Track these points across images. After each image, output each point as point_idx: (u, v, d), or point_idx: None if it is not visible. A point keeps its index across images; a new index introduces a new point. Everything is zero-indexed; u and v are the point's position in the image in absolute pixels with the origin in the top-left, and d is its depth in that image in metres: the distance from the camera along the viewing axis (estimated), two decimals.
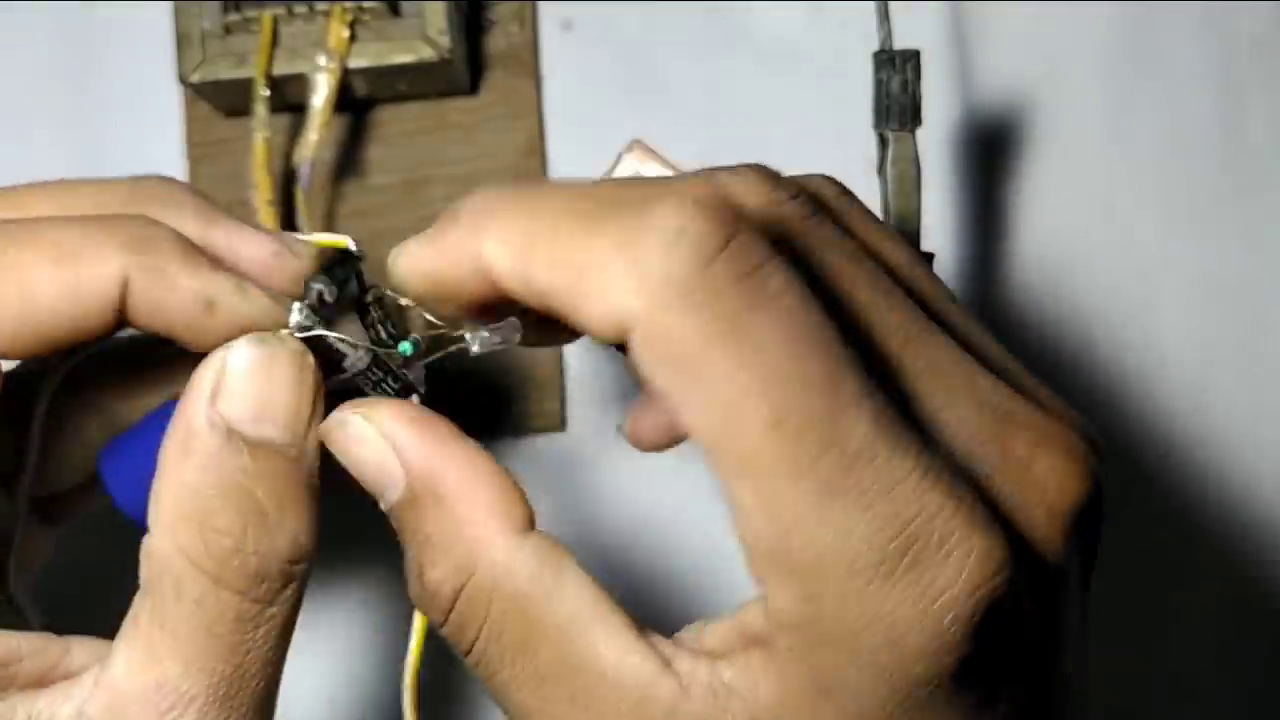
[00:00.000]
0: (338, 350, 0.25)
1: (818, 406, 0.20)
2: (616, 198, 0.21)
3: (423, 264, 0.23)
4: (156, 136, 0.45)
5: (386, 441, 0.23)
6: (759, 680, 0.21)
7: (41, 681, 0.24)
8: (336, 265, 0.26)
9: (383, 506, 0.24)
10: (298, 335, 0.25)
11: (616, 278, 0.20)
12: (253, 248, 0.26)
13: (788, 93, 0.46)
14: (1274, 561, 0.45)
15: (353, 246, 0.27)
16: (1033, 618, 0.21)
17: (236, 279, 0.25)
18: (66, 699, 0.23)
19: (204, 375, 0.24)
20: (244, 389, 0.23)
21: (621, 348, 0.22)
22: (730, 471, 0.20)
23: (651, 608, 0.44)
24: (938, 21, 0.46)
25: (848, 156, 0.45)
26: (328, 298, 0.25)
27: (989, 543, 0.20)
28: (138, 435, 0.26)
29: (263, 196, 0.40)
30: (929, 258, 0.34)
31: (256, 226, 0.27)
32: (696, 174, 0.23)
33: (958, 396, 0.22)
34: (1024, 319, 0.45)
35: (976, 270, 0.46)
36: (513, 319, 0.25)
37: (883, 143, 0.35)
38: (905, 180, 0.34)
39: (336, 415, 0.24)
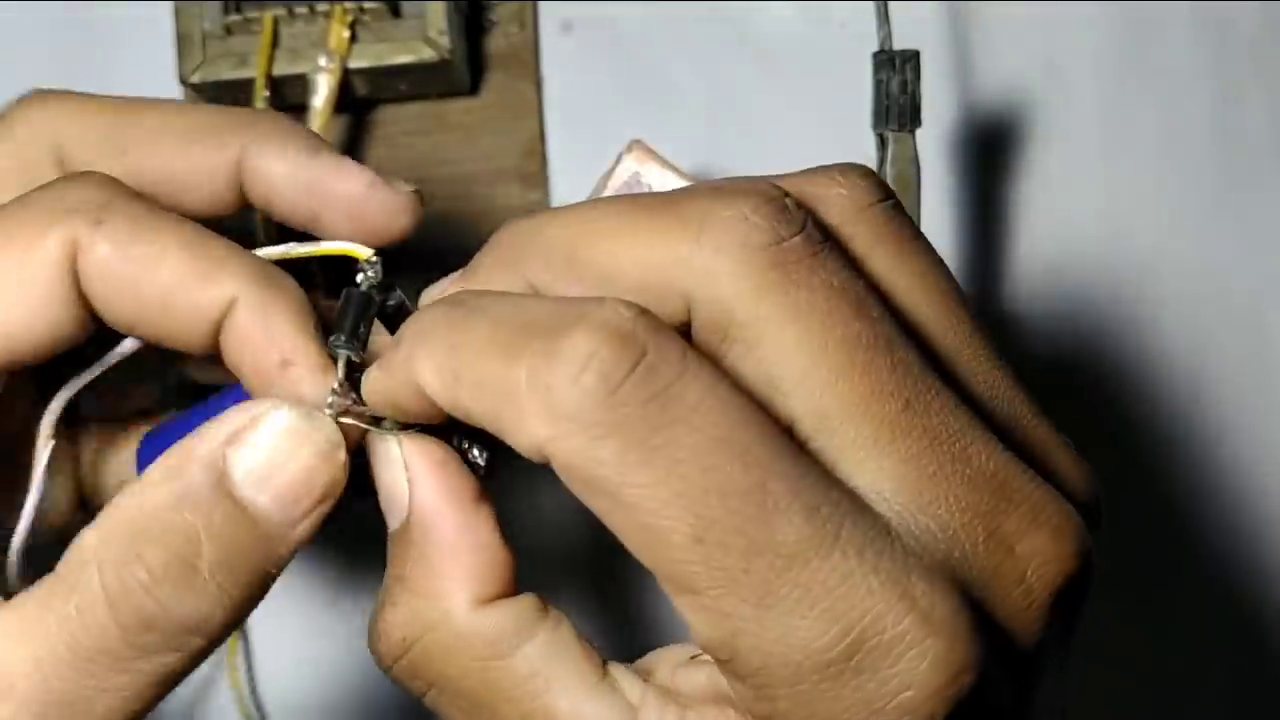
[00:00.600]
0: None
1: (741, 515, 0.19)
2: (534, 325, 0.21)
3: (378, 386, 0.24)
4: None
5: (404, 471, 0.24)
6: None
7: None
8: (354, 312, 0.25)
9: (388, 528, 0.24)
10: (332, 416, 0.24)
11: (529, 411, 0.20)
12: (349, 183, 0.26)
13: (787, 93, 0.46)
14: (1275, 560, 0.45)
15: (363, 252, 0.26)
16: (1005, 705, 0.21)
17: (315, 342, 0.25)
18: None
19: (236, 416, 0.23)
20: (262, 448, 0.23)
21: None
22: (670, 588, 0.20)
23: (652, 607, 0.44)
24: (937, 21, 0.47)
25: (847, 156, 0.45)
26: (355, 359, 0.25)
27: (948, 644, 0.19)
28: (178, 427, 0.26)
29: None
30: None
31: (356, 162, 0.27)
32: (685, 198, 0.23)
33: (951, 466, 0.21)
34: (1023, 318, 0.46)
35: (976, 270, 0.46)
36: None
37: (882, 143, 0.35)
38: (904, 181, 0.34)
39: (382, 432, 0.24)
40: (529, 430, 0.21)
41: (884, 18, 0.35)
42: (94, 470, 0.30)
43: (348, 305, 0.25)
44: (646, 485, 0.20)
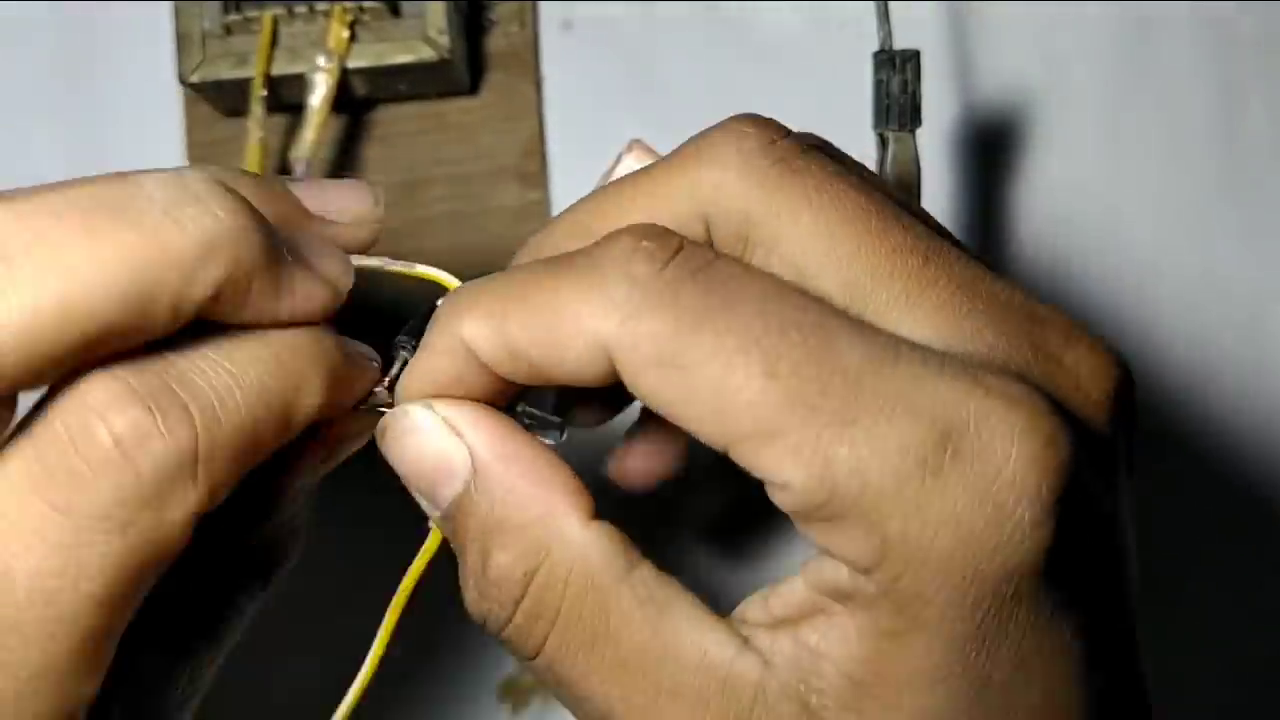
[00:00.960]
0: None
1: (804, 344, 0.20)
2: (572, 255, 0.22)
3: (421, 380, 0.23)
4: (157, 136, 0.45)
5: (450, 430, 0.23)
6: (847, 635, 0.21)
7: None
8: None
9: (432, 507, 0.23)
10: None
11: (586, 310, 0.21)
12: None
13: (787, 93, 0.46)
14: (1275, 560, 0.45)
15: (453, 282, 0.26)
16: (1099, 495, 0.21)
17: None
18: None
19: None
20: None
21: (608, 398, 0.22)
22: (749, 449, 0.20)
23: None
24: (938, 21, 0.47)
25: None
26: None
27: (1034, 412, 0.20)
28: None
29: None
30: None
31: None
32: (683, 146, 0.24)
33: (982, 302, 0.22)
34: None
35: None
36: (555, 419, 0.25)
37: (883, 143, 0.35)
38: (906, 180, 0.34)
39: (397, 408, 0.24)
40: (588, 332, 0.21)
41: (884, 17, 0.35)
42: None
43: (426, 316, 0.25)
44: (712, 340, 0.20)
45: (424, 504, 0.24)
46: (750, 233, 0.23)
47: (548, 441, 0.24)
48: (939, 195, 0.45)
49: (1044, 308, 0.22)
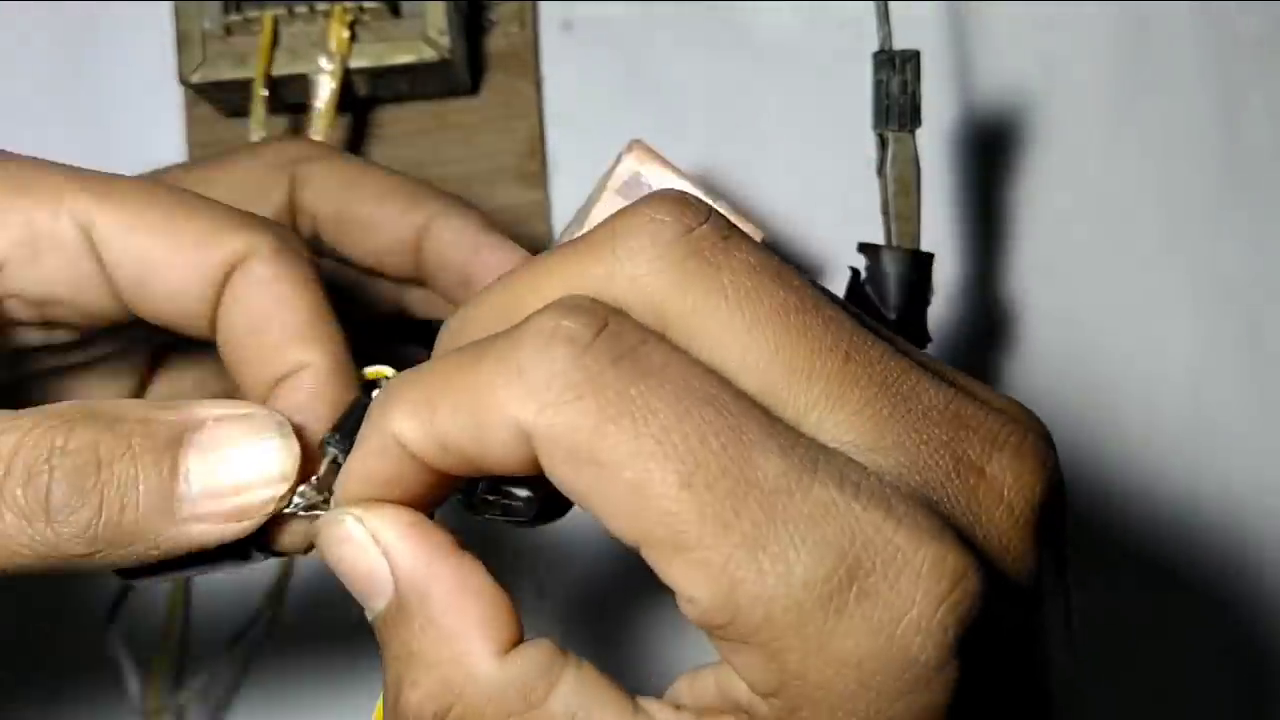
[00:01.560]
0: None
1: (722, 455, 0.20)
2: (494, 338, 0.21)
3: (357, 480, 0.23)
4: (158, 137, 0.45)
5: (378, 546, 0.23)
6: None
7: None
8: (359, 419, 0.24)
9: (368, 615, 0.23)
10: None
11: (505, 397, 0.20)
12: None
13: (787, 93, 0.46)
14: (1274, 560, 0.45)
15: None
16: (1014, 628, 0.21)
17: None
18: None
19: (240, 407, 0.25)
20: (236, 438, 0.24)
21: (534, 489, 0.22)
22: (660, 556, 0.20)
23: (660, 620, 0.44)
24: (937, 22, 0.47)
25: (847, 156, 0.45)
26: (340, 460, 0.24)
27: (941, 551, 0.19)
28: None
29: None
30: (928, 258, 0.34)
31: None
32: (583, 246, 0.23)
33: (903, 405, 0.21)
34: (1023, 318, 0.46)
35: (976, 270, 0.46)
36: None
37: (882, 143, 0.35)
38: (905, 181, 0.34)
39: (330, 514, 0.23)
40: (509, 417, 0.20)
41: (884, 18, 0.35)
42: None
43: (353, 412, 0.25)
44: (629, 439, 0.20)
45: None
46: (667, 327, 0.22)
47: (516, 519, 0.24)
48: (939, 196, 0.45)
49: (969, 409, 0.22)
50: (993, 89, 0.47)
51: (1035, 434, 0.22)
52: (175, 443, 0.24)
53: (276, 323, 0.26)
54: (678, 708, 0.22)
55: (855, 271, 0.34)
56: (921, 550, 0.19)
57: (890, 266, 0.34)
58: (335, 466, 0.24)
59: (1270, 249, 0.46)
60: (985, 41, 0.47)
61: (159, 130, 0.45)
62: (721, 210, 0.34)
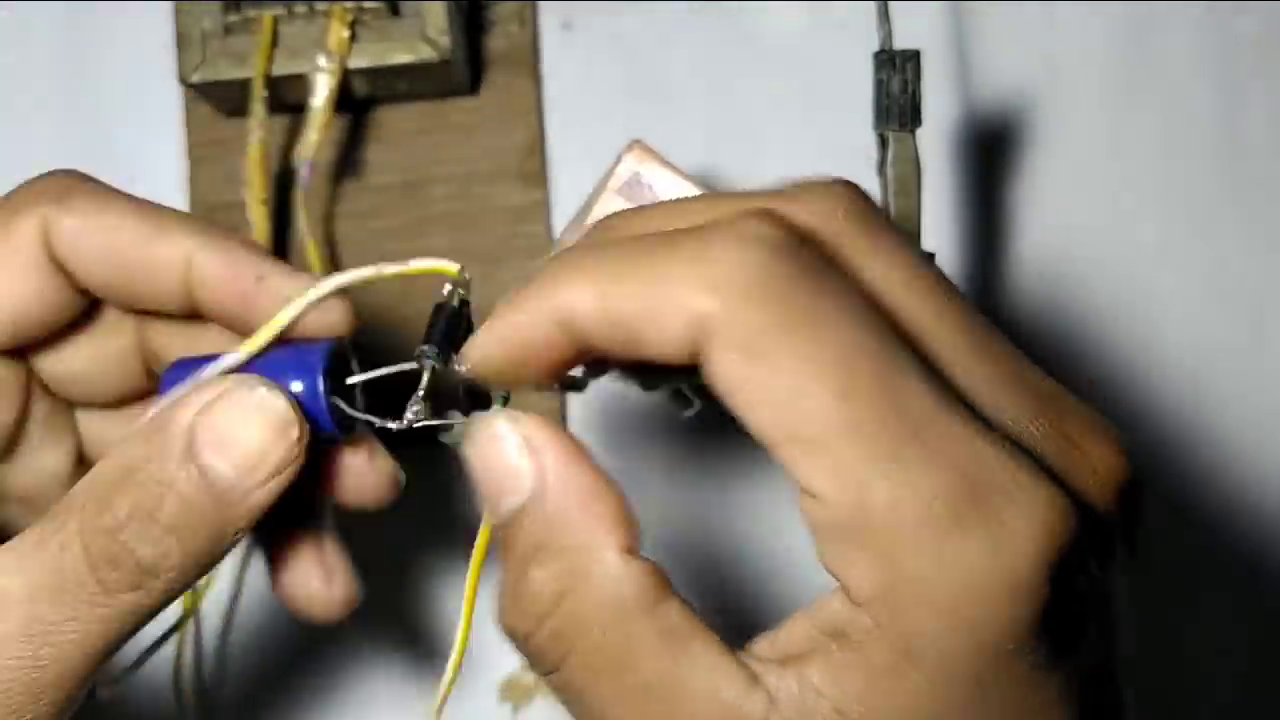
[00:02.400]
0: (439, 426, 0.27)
1: (882, 378, 0.21)
2: (685, 227, 0.23)
3: (498, 339, 0.24)
4: (157, 136, 0.45)
5: (526, 446, 0.24)
6: (844, 673, 0.22)
7: None
8: (445, 324, 0.26)
9: (493, 513, 0.24)
10: (414, 425, 0.26)
11: (693, 284, 0.22)
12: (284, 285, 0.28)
13: (788, 92, 0.46)
14: (1276, 558, 0.45)
15: (452, 268, 0.27)
16: (1095, 578, 0.22)
17: (282, 262, 0.28)
18: None
19: (210, 389, 0.25)
20: (224, 420, 0.25)
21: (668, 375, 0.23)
22: (796, 453, 0.21)
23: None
24: (938, 21, 0.47)
25: (847, 155, 0.45)
26: (439, 368, 0.26)
27: (1052, 491, 0.21)
28: (188, 366, 0.28)
29: (255, 196, 0.40)
30: (930, 256, 0.34)
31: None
32: (752, 195, 0.25)
33: (1012, 383, 0.24)
34: (1024, 317, 0.46)
35: (977, 269, 0.46)
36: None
37: (883, 143, 0.35)
38: (906, 180, 0.34)
39: (484, 416, 0.25)
40: (688, 303, 0.22)
41: (884, 17, 0.35)
42: (94, 438, 0.32)
43: (438, 317, 0.26)
44: (804, 343, 0.21)
45: (486, 507, 0.24)
46: (843, 260, 0.24)
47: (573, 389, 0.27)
48: (940, 195, 0.46)
49: (1071, 400, 0.25)
50: (993, 89, 0.47)
51: (1119, 432, 0.25)
52: (188, 453, 0.25)
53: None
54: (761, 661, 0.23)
55: None
56: (1038, 487, 0.21)
57: None
58: (434, 374, 0.26)
59: (1270, 247, 0.46)
60: (986, 41, 0.47)
61: (158, 130, 0.45)
62: None
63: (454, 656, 0.28)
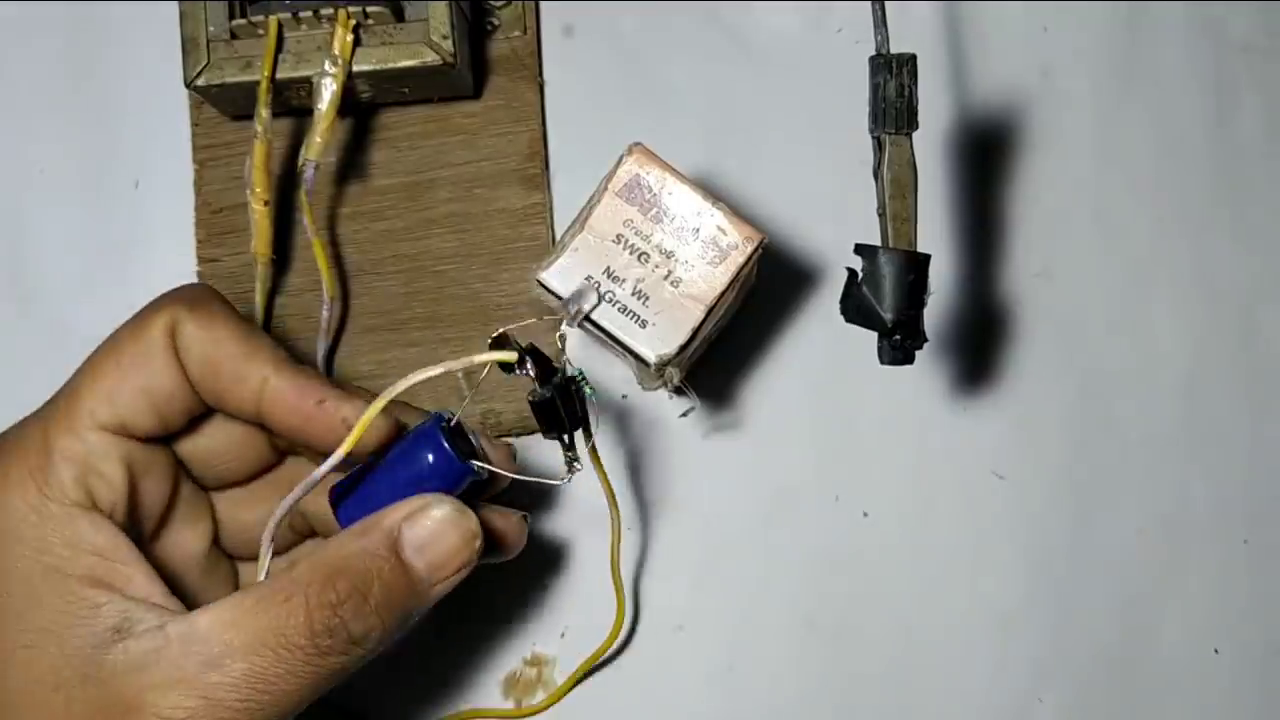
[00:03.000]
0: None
1: None
2: None
3: None
4: (164, 140, 0.46)
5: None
6: None
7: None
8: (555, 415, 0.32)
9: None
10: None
11: None
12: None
13: (785, 96, 0.46)
14: (1266, 557, 0.45)
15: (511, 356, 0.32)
16: None
17: (340, 388, 0.34)
18: (158, 615, 0.31)
19: (415, 501, 0.32)
20: (427, 528, 0.32)
21: None
22: None
23: (646, 593, 0.44)
24: (933, 24, 0.47)
25: (846, 158, 0.45)
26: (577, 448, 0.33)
27: None
28: (365, 490, 0.34)
29: (258, 197, 0.41)
30: (925, 259, 0.34)
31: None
32: None
33: None
34: (1019, 319, 0.46)
35: (972, 271, 0.46)
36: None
37: (879, 146, 0.35)
38: (902, 183, 0.35)
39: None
40: None
41: (880, 21, 0.35)
42: (228, 517, 0.37)
43: (547, 417, 0.32)
44: None
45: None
46: None
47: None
48: (935, 196, 0.46)
49: None
50: (987, 90, 0.47)
51: None
52: (393, 550, 0.31)
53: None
54: None
55: (852, 273, 0.34)
56: None
57: (887, 268, 0.34)
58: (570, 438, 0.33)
59: (1263, 249, 0.47)
60: (980, 43, 0.47)
61: (165, 133, 0.46)
62: (721, 212, 0.35)
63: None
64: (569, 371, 0.32)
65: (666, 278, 0.35)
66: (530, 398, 0.32)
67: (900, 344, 0.34)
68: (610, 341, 0.35)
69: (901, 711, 0.44)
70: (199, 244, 0.45)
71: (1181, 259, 0.46)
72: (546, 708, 0.43)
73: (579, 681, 0.42)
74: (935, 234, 0.46)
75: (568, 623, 0.44)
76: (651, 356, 0.35)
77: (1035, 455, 0.45)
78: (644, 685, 0.44)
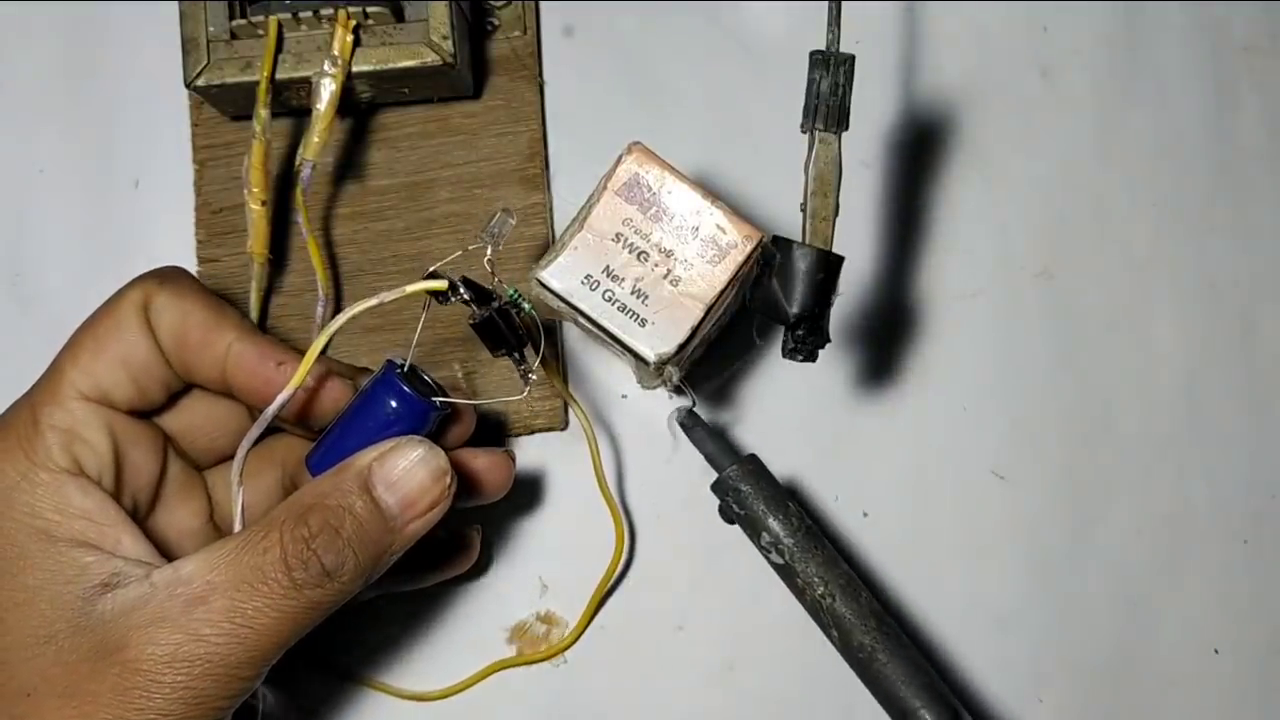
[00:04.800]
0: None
1: None
2: None
3: None
4: (164, 140, 0.46)
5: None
6: None
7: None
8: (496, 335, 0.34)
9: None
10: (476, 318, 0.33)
11: None
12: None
13: (783, 96, 0.46)
14: (1266, 557, 0.45)
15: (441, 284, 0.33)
16: None
17: (299, 353, 0.35)
18: (145, 570, 0.32)
19: (386, 443, 0.33)
20: (399, 464, 0.33)
21: None
22: None
23: (645, 581, 0.44)
24: (934, 24, 0.47)
25: (845, 159, 0.45)
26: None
27: None
28: (334, 442, 0.35)
29: (256, 197, 0.41)
30: (838, 260, 0.34)
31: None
32: None
33: None
34: (1019, 318, 0.46)
35: (971, 268, 0.46)
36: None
37: (811, 141, 0.35)
38: (825, 181, 0.34)
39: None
40: None
41: (834, 20, 0.35)
42: (221, 495, 0.39)
43: (490, 335, 0.34)
44: None
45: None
46: None
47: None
48: (934, 197, 0.46)
49: None
50: (987, 91, 0.47)
51: None
52: (364, 488, 0.32)
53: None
54: None
55: (765, 264, 0.35)
56: None
57: (799, 263, 0.34)
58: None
59: (1261, 249, 0.47)
60: (979, 44, 0.47)
61: (165, 133, 0.46)
62: (720, 211, 0.35)
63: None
64: (506, 294, 0.34)
65: (666, 276, 0.35)
66: (470, 320, 0.33)
67: (803, 339, 0.34)
68: (610, 340, 0.35)
69: None
70: (199, 244, 0.45)
71: (1181, 259, 0.46)
72: (571, 644, 0.44)
73: (600, 605, 0.43)
74: (936, 234, 0.46)
75: (568, 553, 0.44)
76: (651, 355, 0.35)
77: (1035, 455, 0.45)
78: (644, 685, 0.44)
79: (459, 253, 0.35)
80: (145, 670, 0.30)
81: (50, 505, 0.33)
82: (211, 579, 0.31)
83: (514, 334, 0.34)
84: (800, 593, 0.39)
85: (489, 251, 0.34)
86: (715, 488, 0.39)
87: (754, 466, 0.40)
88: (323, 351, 0.33)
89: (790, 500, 0.40)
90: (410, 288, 0.33)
